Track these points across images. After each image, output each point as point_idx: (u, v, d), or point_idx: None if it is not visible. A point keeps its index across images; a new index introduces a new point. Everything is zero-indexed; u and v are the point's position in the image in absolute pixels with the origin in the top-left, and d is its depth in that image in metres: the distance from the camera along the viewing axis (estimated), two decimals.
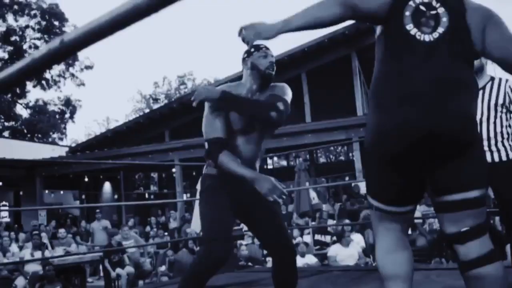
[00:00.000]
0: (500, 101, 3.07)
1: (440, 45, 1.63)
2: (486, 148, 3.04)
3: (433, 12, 1.65)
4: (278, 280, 2.35)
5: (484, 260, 1.58)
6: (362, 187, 9.97)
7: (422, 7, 1.65)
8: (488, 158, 3.04)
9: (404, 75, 1.61)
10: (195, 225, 9.85)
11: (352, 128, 11.06)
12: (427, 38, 1.63)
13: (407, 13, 1.64)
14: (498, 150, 3.06)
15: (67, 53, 0.56)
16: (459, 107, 1.60)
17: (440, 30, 1.64)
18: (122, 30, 0.54)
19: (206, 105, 2.27)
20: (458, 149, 1.60)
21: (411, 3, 1.65)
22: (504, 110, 3.08)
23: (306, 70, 12.86)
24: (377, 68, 1.71)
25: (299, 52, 12.62)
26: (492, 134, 3.07)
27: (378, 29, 1.72)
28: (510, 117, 3.11)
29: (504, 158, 3.05)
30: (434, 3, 1.66)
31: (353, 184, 11.41)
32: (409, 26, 1.63)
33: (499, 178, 3.01)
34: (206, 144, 2.25)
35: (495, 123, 3.08)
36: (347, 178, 16.72)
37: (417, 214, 8.15)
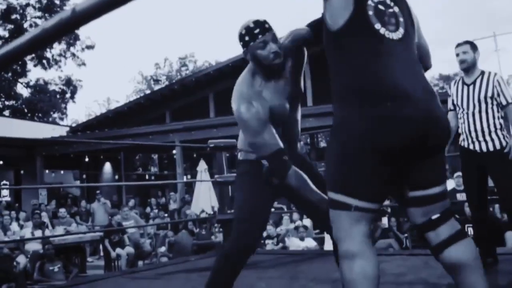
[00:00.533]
0: (489, 93, 3.24)
1: (406, 45, 1.70)
2: (480, 138, 3.25)
3: (391, 10, 1.70)
4: None
5: (455, 237, 1.68)
6: None
7: (380, 6, 1.68)
8: (484, 148, 3.26)
9: (391, 72, 1.62)
10: (195, 207, 9.91)
11: None
12: (395, 36, 1.67)
13: (371, 13, 1.65)
14: (492, 140, 3.24)
15: (78, 23, 0.54)
16: (440, 108, 1.69)
17: (401, 29, 1.69)
18: (136, 0, 0.52)
19: (240, 104, 1.98)
20: (439, 148, 1.71)
21: (369, 2, 1.66)
22: (495, 102, 3.24)
23: (309, 54, 12.78)
24: (351, 64, 1.68)
25: None
26: (485, 125, 3.25)
27: (334, 27, 1.69)
28: (501, 109, 3.28)
29: (498, 147, 3.24)
30: (388, 1, 1.70)
31: None
32: (377, 26, 1.65)
33: (495, 165, 3.26)
34: (266, 160, 1.98)
35: (487, 114, 3.26)
36: None
37: None
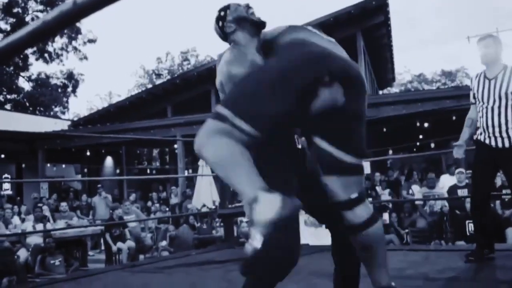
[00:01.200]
0: (511, 88, 3.15)
1: None
2: (497, 134, 3.17)
3: None
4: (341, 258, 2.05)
5: (370, 221, 1.78)
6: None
7: None
8: (500, 144, 3.19)
9: None
10: (196, 201, 9.91)
11: None
12: None
13: None
14: (509, 137, 3.16)
15: (79, 15, 0.53)
16: None
17: None
18: None
19: None
20: None
21: None
22: None
23: None
24: None
25: None
26: (503, 121, 3.18)
27: None
28: None
29: None
30: None
31: None
32: None
33: (508, 163, 3.18)
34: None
35: (506, 110, 3.18)
36: None
37: (418, 195, 8.18)
